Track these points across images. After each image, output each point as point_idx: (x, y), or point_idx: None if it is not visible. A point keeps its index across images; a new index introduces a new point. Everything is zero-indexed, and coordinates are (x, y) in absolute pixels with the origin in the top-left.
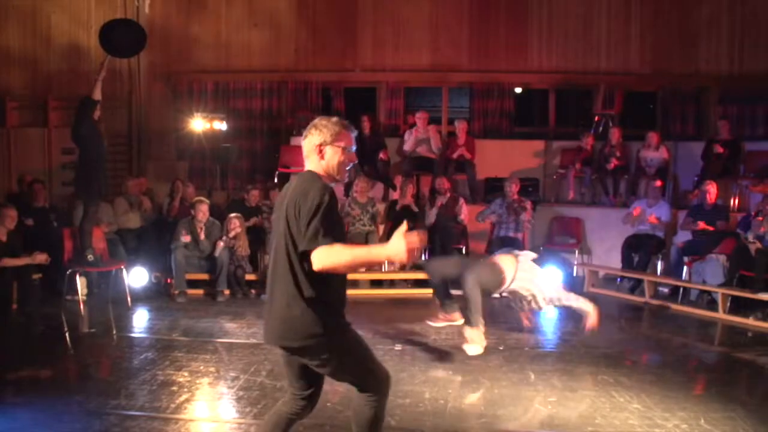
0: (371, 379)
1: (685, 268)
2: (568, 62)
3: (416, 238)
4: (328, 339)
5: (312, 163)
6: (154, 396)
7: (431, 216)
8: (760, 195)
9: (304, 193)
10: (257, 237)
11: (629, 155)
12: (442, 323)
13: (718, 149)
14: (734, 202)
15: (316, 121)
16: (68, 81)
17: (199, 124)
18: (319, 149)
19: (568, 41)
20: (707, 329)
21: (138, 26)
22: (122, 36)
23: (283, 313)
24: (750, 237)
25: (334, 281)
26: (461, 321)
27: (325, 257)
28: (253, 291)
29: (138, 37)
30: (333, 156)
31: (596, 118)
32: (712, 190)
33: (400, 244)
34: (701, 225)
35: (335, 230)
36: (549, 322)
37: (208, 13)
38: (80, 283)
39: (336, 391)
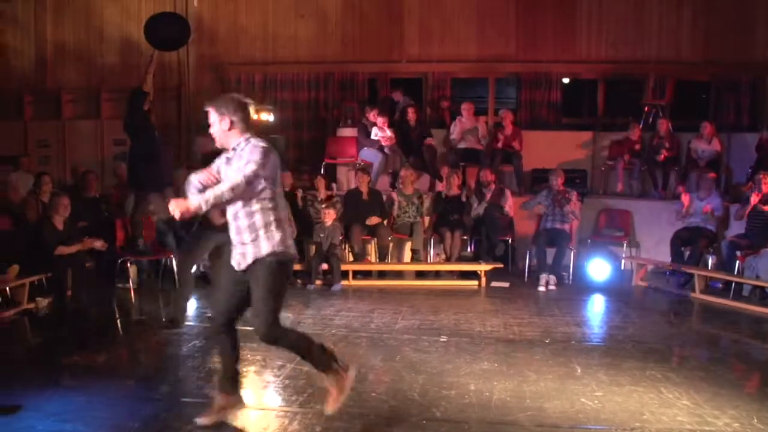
0: None
1: (737, 262)
2: (617, 51)
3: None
4: None
5: None
6: (203, 383)
7: (478, 208)
8: None
9: None
10: (304, 228)
11: (680, 146)
12: None
13: None
14: None
15: None
16: (120, 73)
17: None
18: None
19: (618, 29)
20: (760, 325)
21: (182, 19)
22: (167, 29)
23: None
24: None
25: None
26: None
27: None
28: (298, 281)
29: (182, 30)
30: None
31: (646, 109)
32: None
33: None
34: (755, 199)
35: None
36: (596, 315)
37: (255, 5)
38: (131, 271)
39: (381, 381)
